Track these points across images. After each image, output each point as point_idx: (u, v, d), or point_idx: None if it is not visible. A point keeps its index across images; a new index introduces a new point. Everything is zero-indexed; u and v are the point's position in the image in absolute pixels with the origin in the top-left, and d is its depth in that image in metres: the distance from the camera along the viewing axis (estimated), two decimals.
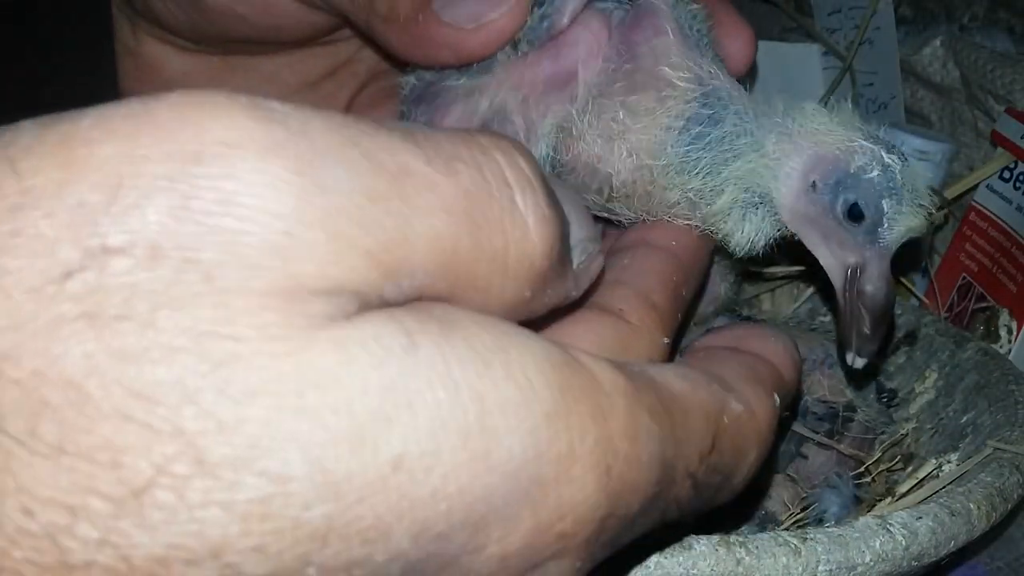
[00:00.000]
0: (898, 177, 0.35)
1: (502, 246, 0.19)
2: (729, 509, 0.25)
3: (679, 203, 0.36)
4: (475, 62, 0.37)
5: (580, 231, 0.24)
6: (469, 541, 0.18)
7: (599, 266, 0.25)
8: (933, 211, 0.36)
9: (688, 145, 0.36)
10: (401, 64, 0.40)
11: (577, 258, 0.23)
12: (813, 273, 0.49)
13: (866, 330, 0.36)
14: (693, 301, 0.36)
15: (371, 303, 0.18)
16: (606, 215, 0.38)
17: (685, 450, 0.22)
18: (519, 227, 0.20)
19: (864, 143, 0.35)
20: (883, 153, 0.35)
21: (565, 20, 0.37)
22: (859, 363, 0.37)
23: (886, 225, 0.35)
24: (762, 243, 0.37)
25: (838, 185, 0.35)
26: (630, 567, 0.29)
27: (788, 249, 0.40)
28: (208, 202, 0.16)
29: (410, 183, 0.18)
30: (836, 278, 0.37)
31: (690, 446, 0.23)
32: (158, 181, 0.16)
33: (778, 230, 0.37)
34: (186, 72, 0.44)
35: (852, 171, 0.35)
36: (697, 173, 0.36)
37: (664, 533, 0.25)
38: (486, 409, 0.18)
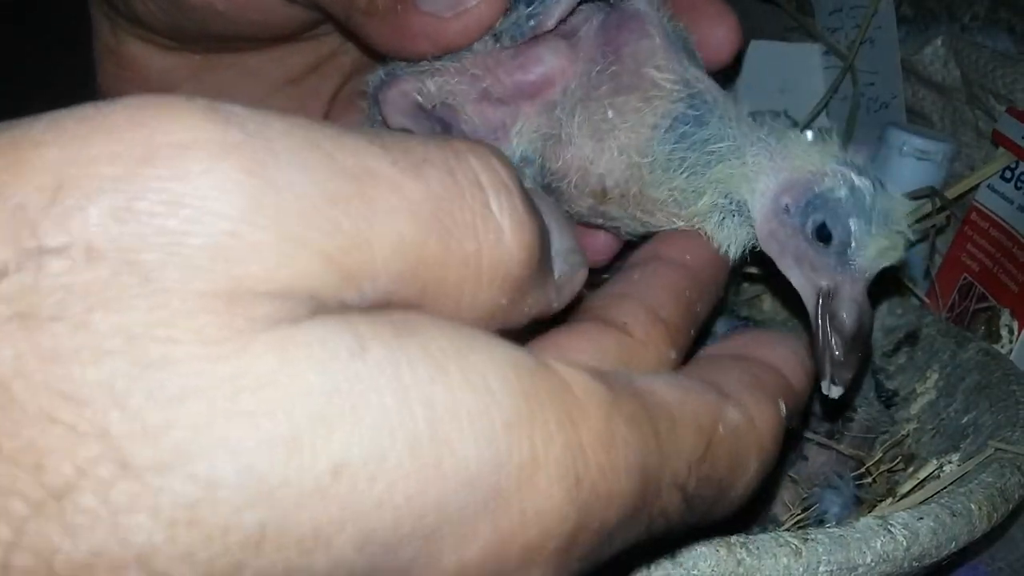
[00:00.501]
0: (868, 199, 0.34)
1: (474, 251, 0.19)
2: (732, 515, 0.25)
3: (666, 202, 0.36)
4: (454, 51, 0.37)
5: (562, 242, 0.23)
6: (421, 552, 0.17)
7: (583, 278, 0.24)
8: (910, 238, 0.35)
9: (674, 144, 0.36)
10: (381, 59, 0.40)
11: (559, 268, 0.23)
12: None
13: (839, 356, 0.34)
14: (709, 316, 0.35)
15: (328, 308, 0.17)
16: (601, 221, 0.38)
17: (671, 460, 0.21)
18: (493, 231, 0.19)
19: (836, 166, 0.35)
20: (854, 176, 0.34)
21: (552, 22, 0.37)
22: (835, 392, 0.35)
23: (854, 246, 0.34)
24: (737, 250, 0.37)
25: (808, 206, 0.35)
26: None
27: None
28: (153, 203, 0.16)
29: (372, 185, 0.18)
30: (809, 301, 0.36)
31: (678, 456, 0.21)
32: (103, 183, 0.16)
33: (752, 241, 0.37)
34: (167, 70, 0.43)
35: (819, 191, 0.35)
36: (681, 172, 0.36)
37: (656, 546, 0.24)
38: (438, 416, 0.17)
